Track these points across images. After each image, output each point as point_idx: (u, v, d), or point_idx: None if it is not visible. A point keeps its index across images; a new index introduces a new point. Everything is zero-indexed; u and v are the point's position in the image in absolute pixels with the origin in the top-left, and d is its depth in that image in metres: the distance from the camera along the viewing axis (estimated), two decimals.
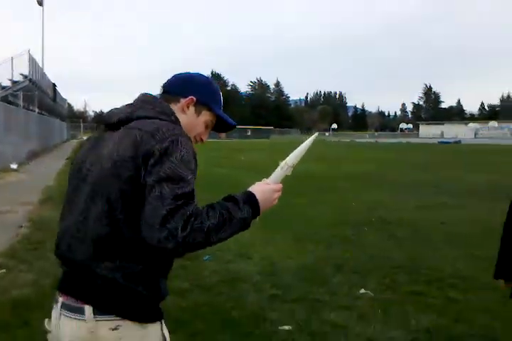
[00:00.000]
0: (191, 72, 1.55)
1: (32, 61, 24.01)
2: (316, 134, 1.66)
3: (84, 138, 52.90)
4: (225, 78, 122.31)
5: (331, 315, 3.51)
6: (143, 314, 1.27)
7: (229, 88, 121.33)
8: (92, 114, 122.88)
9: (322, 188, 11.25)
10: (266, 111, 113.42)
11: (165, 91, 1.48)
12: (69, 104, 70.78)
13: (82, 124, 66.37)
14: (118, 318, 1.23)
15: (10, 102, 20.94)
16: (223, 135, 65.46)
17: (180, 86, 1.48)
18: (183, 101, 1.44)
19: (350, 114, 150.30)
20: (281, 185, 1.43)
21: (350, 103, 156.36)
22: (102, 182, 1.25)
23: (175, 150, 1.21)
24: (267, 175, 1.48)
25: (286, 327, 3.26)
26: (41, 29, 33.62)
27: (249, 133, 67.54)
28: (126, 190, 1.22)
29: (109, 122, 1.38)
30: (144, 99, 1.43)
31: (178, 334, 3.12)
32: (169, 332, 1.36)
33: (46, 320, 1.37)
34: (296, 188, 11.24)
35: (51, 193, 9.63)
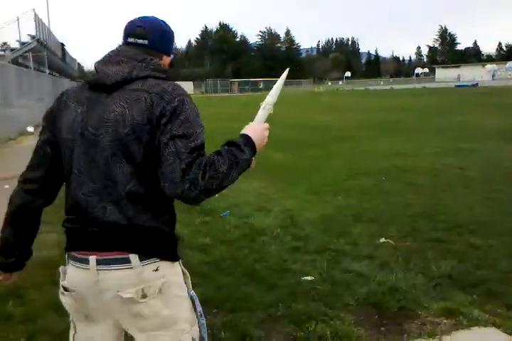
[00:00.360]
0: (157, 18, 1.55)
1: (38, 21, 23.53)
2: (287, 70, 1.76)
3: None
4: (233, 29, 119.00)
5: (353, 264, 3.57)
6: (174, 254, 1.47)
7: (238, 39, 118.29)
8: None
9: (337, 139, 11.14)
10: (277, 62, 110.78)
11: (147, 45, 1.47)
12: (78, 64, 70.02)
13: None
14: (157, 260, 1.40)
15: (20, 64, 20.80)
16: (235, 89, 64.69)
17: (162, 43, 1.52)
18: (166, 59, 1.53)
19: (363, 60, 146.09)
20: (267, 124, 1.55)
21: (363, 49, 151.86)
22: (123, 147, 1.33)
23: (183, 108, 1.32)
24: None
25: (309, 278, 3.33)
26: None
27: (261, 86, 66.42)
28: (148, 151, 1.33)
29: (103, 83, 1.38)
30: (134, 57, 1.42)
31: (204, 287, 3.23)
32: (194, 285, 1.50)
33: (64, 282, 1.46)
34: (311, 140, 11.19)
35: None
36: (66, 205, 1.49)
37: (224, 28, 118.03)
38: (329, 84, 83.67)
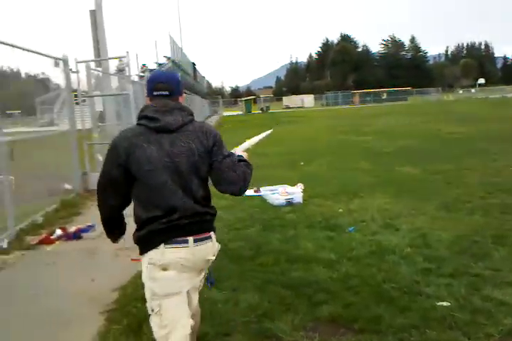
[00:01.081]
0: (168, 71, 2.71)
1: (173, 43, 25.70)
2: (271, 131, 2.94)
3: (225, 113, 55.58)
4: (355, 39, 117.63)
5: (495, 292, 3.25)
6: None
7: (360, 49, 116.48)
8: (228, 89, 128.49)
9: (470, 152, 10.34)
10: (402, 70, 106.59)
11: (170, 94, 2.15)
12: (207, 81, 74.72)
13: (221, 100, 69.74)
14: (213, 234, 2.23)
15: None
16: (357, 100, 63.56)
17: (178, 89, 2.20)
18: (180, 98, 2.22)
19: (499, 66, 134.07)
20: (246, 154, 2.42)
21: (498, 53, 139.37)
22: (194, 168, 2.09)
23: (219, 138, 2.18)
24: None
25: (445, 303, 3.10)
26: (178, 12, 35.54)
27: (384, 97, 64.39)
28: (207, 170, 2.14)
29: (169, 128, 2.07)
30: (175, 107, 2.13)
31: (332, 304, 3.19)
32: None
33: (163, 263, 2.11)
34: (441, 152, 10.52)
35: None
36: (156, 208, 2.08)
37: (345, 38, 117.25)
38: (460, 92, 78.04)
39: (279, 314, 3.09)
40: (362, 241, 4.56)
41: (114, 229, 2.38)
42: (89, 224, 5.44)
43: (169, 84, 2.16)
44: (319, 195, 6.73)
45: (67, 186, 7.58)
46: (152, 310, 2.13)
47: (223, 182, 2.14)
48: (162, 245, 2.07)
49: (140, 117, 2.14)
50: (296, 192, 6.56)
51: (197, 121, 2.18)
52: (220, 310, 3.18)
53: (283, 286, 3.52)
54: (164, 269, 2.09)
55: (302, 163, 10.15)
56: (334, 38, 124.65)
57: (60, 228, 5.40)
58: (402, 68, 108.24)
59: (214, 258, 2.24)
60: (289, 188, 6.83)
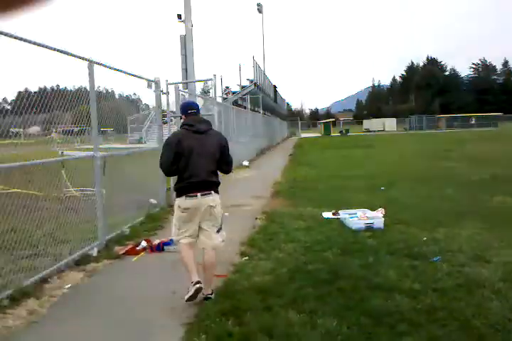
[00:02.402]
0: (192, 100, 6.26)
1: (256, 66, 26.44)
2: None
3: (303, 135, 55.72)
4: (442, 63, 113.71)
5: None
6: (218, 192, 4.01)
7: (447, 73, 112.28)
8: (308, 111, 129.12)
9: None
10: (492, 95, 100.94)
11: (196, 113, 4.04)
12: (287, 104, 75.62)
13: (299, 122, 70.11)
14: (216, 193, 3.93)
15: (239, 105, 23.53)
16: (442, 125, 60.97)
17: (198, 109, 4.11)
18: (199, 115, 4.14)
19: None
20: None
21: None
22: (212, 155, 3.89)
23: (227, 142, 4.13)
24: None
25: None
26: (261, 35, 36.71)
27: (473, 122, 61.16)
28: (218, 156, 3.94)
29: (201, 131, 3.90)
30: (202, 120, 4.04)
31: (415, 336, 3.04)
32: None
33: (185, 206, 3.89)
34: None
35: (279, 188, 10.45)
36: (187, 174, 3.80)
37: (432, 61, 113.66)
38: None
39: None
40: (449, 272, 4.30)
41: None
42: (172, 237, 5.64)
43: (195, 107, 4.12)
44: (401, 221, 6.48)
45: (153, 201, 7.95)
46: (174, 225, 4.00)
47: (227, 164, 4.07)
48: (184, 196, 3.85)
49: (182, 125, 4.02)
50: (376, 217, 6.37)
51: (214, 129, 4.29)
52: (297, 332, 3.13)
53: (363, 313, 3.40)
54: (183, 210, 3.87)
55: (383, 188, 9.85)
56: (420, 61, 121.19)
57: (145, 240, 5.66)
58: (493, 93, 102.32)
59: (214, 204, 3.87)
60: (369, 213, 6.65)
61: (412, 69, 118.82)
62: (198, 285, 3.71)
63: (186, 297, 3.70)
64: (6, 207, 4.95)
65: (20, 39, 4.07)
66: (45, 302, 3.90)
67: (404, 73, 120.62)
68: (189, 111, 3.98)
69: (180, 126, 4.03)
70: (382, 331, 3.12)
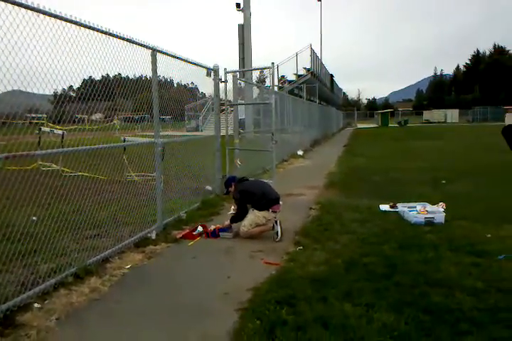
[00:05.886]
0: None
1: (313, 55, 26.06)
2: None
3: (359, 126, 54.63)
4: (510, 51, 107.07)
5: None
6: None
7: None
8: (365, 101, 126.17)
9: None
10: None
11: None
12: (344, 93, 74.23)
13: (356, 112, 68.74)
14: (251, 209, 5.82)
15: (295, 94, 23.36)
16: (510, 117, 57.61)
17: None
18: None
19: None
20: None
21: None
22: None
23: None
24: None
25: None
26: (319, 23, 36.07)
27: None
28: None
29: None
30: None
31: (477, 336, 2.92)
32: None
33: (274, 215, 5.61)
34: None
35: (334, 179, 10.31)
36: (270, 197, 5.61)
37: (499, 50, 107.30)
38: None
39: (418, 338, 2.90)
40: None
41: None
42: (227, 224, 5.72)
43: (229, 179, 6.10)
44: (464, 216, 6.20)
45: (208, 187, 8.08)
46: (250, 225, 5.49)
47: None
48: (270, 209, 5.57)
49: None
50: (437, 212, 6.13)
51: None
52: (353, 325, 3.08)
53: (421, 309, 3.30)
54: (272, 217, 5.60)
55: (444, 182, 9.48)
56: (486, 49, 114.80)
57: (201, 225, 5.77)
58: None
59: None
60: (429, 207, 6.42)
61: (477, 57, 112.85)
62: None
63: (279, 234, 5.40)
64: (72, 189, 5.18)
65: (89, 27, 4.19)
66: (106, 281, 4.07)
67: (469, 62, 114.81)
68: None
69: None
70: (441, 328, 3.01)
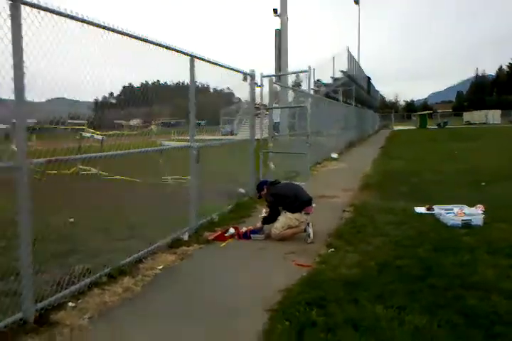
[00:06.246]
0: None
1: (350, 58, 25.84)
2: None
3: (396, 128, 53.64)
4: None
5: None
6: None
7: None
8: (403, 103, 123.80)
9: None
10: None
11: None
12: (381, 96, 73.11)
13: (393, 114, 67.54)
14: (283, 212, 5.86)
15: (331, 97, 23.19)
16: None
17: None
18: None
19: None
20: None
21: None
22: None
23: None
24: None
25: None
26: (357, 26, 35.76)
27: None
28: None
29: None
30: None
31: (511, 338, 2.81)
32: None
33: (306, 218, 5.64)
34: None
35: (369, 181, 10.18)
36: (302, 199, 5.64)
37: None
38: None
39: None
40: None
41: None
42: (259, 226, 5.75)
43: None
44: (504, 219, 6.00)
45: (242, 190, 8.14)
46: (282, 227, 5.51)
47: None
48: (304, 211, 5.60)
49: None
50: (475, 214, 5.96)
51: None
52: (384, 327, 3.04)
53: (456, 312, 3.21)
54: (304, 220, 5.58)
55: (483, 184, 9.19)
56: None
57: (233, 227, 5.82)
58: None
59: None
60: (467, 209, 6.24)
61: None
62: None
63: (311, 236, 5.42)
64: (108, 191, 5.33)
65: (129, 35, 4.30)
66: (139, 281, 4.16)
67: None
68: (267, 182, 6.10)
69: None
70: (476, 332, 2.93)
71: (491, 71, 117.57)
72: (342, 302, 3.48)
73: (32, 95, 3.20)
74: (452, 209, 6.23)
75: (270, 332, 3.08)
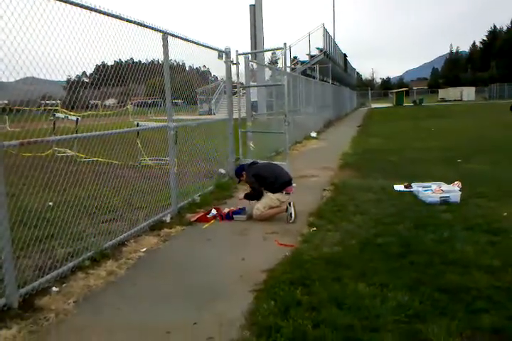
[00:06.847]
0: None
1: (326, 35, 25.61)
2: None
3: (373, 105, 53.96)
4: None
5: None
6: None
7: None
8: (379, 81, 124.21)
9: None
10: None
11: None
12: (357, 73, 73.12)
13: (370, 92, 67.79)
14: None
15: (308, 75, 23.07)
16: None
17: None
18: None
19: None
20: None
21: None
22: None
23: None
24: None
25: None
26: (332, 2, 35.36)
27: None
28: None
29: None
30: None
31: (493, 314, 2.91)
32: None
33: (286, 197, 5.63)
34: None
35: (348, 160, 10.24)
36: (283, 179, 5.61)
37: None
38: None
39: (432, 317, 2.89)
40: None
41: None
42: (241, 207, 5.74)
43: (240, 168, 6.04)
44: (480, 195, 6.13)
45: (222, 170, 8.09)
46: (263, 207, 5.51)
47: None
48: (284, 191, 5.57)
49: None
50: (452, 191, 6.06)
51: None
52: (367, 304, 3.09)
53: (437, 289, 3.28)
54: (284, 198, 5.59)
55: (459, 160, 9.35)
56: (503, 25, 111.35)
57: (215, 208, 5.80)
58: None
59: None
60: (444, 186, 6.34)
61: (494, 33, 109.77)
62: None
63: (293, 216, 5.40)
64: (87, 174, 5.22)
65: (100, 12, 4.15)
66: (122, 264, 4.13)
67: (486, 38, 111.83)
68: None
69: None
70: (457, 307, 3.00)
71: (466, 47, 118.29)
72: (325, 281, 3.51)
73: None
74: (430, 187, 6.32)
75: (255, 312, 3.09)
